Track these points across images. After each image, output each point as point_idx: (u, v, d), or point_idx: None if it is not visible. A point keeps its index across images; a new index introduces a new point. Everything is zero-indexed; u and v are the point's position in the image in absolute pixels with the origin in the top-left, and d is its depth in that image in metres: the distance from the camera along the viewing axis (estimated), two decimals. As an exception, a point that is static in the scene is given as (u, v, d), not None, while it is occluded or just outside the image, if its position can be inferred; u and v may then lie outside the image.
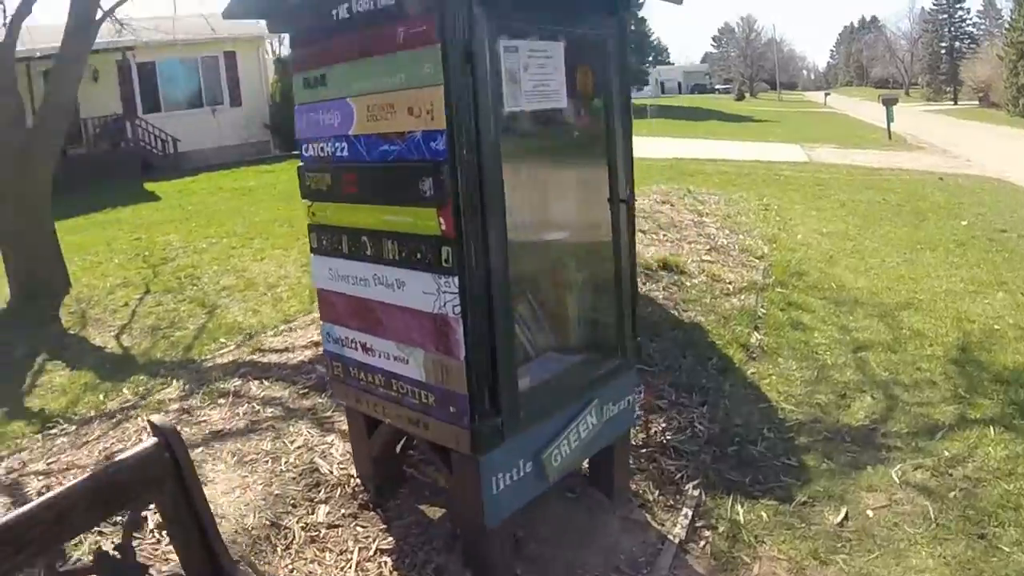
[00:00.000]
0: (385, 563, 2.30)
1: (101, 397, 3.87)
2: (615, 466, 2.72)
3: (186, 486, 1.52)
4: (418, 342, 2.15)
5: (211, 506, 2.47)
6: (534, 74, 2.18)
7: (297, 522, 2.43)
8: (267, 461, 2.76)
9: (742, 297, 5.00)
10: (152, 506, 1.60)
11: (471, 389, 2.05)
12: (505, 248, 2.05)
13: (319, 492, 2.58)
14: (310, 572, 2.25)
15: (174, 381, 3.80)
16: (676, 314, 4.57)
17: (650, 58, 56.93)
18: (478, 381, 2.05)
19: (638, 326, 2.65)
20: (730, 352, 4.11)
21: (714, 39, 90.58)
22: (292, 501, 2.53)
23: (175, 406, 3.41)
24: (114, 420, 3.38)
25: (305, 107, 2.34)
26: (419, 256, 2.05)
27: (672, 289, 4.98)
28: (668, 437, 3.20)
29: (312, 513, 2.48)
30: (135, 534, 1.64)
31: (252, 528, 2.37)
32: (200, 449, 2.84)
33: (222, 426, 3.07)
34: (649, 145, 19.96)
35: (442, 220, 1.96)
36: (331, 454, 2.80)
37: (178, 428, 2.91)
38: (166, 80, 16.42)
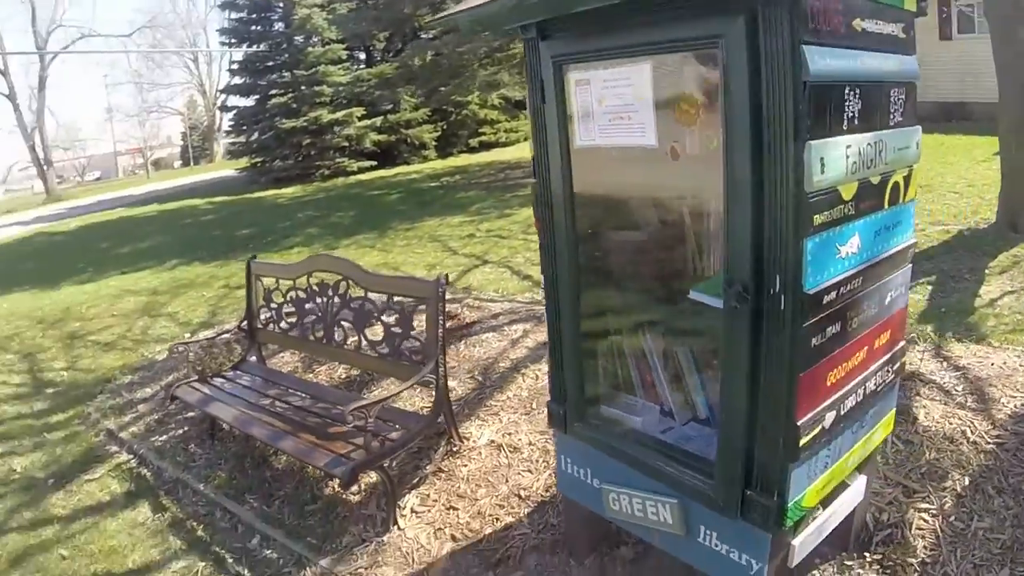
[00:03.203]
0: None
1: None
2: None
3: (438, 306, 3.14)
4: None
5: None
6: (611, 106, 1.99)
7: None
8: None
9: None
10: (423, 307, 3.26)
11: (552, 370, 2.43)
12: (573, 266, 2.22)
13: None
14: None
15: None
16: None
17: None
18: (556, 367, 2.40)
19: (780, 493, 1.81)
20: None
21: None
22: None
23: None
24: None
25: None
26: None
27: None
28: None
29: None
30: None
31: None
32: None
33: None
34: None
35: (535, 221, 2.34)
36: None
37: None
38: None
